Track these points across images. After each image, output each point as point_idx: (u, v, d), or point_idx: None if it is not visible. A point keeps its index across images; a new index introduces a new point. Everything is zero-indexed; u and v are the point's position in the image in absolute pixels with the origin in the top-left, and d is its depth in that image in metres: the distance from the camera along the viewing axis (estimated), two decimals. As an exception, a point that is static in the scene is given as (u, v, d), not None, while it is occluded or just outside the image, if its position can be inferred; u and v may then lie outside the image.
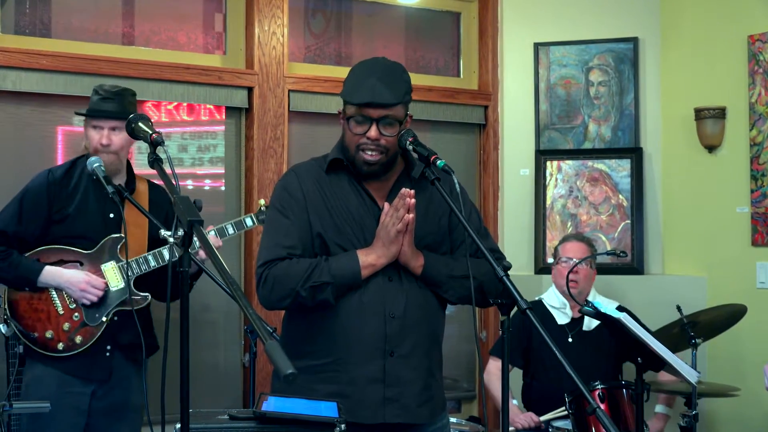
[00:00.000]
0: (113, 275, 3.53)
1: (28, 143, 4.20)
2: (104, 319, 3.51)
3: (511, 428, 4.11)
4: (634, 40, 5.25)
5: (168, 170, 2.38)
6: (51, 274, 3.46)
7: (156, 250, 3.57)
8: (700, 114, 4.98)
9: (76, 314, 3.49)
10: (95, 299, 3.48)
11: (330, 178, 2.78)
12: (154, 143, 2.47)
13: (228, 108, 4.66)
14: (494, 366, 4.48)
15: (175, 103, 4.54)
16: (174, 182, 2.33)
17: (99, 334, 3.50)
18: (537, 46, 5.31)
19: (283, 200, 2.76)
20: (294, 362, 2.62)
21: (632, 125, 5.24)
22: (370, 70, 2.74)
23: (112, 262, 3.54)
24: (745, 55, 4.84)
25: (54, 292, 3.49)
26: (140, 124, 2.56)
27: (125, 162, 3.65)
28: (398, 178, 2.80)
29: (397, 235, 2.65)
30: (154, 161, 2.44)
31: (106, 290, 3.51)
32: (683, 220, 5.17)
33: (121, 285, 3.53)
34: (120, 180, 3.60)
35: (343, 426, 2.29)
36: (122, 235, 3.54)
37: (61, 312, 3.48)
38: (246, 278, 4.62)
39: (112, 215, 3.58)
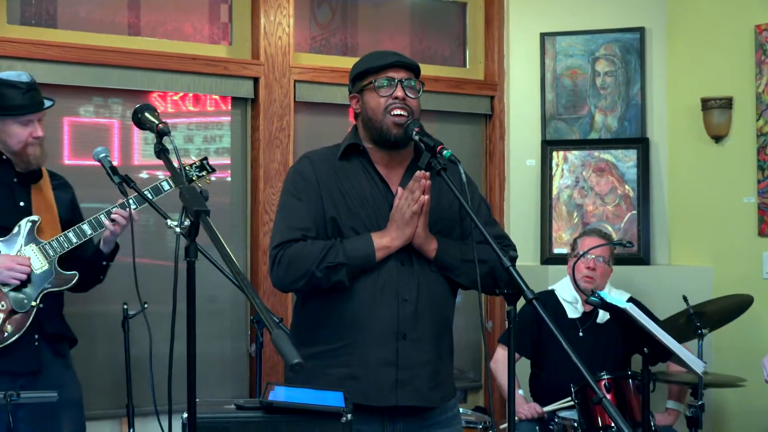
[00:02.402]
0: (35, 258, 3.41)
1: None
2: (33, 303, 3.38)
3: (515, 418, 4.13)
4: (641, 30, 5.23)
5: (174, 160, 2.39)
6: None
7: (76, 226, 3.45)
8: (706, 104, 4.97)
9: (3, 303, 3.34)
10: (24, 276, 3.35)
11: (343, 165, 2.81)
12: (161, 133, 2.47)
13: (234, 98, 4.66)
14: (502, 354, 4.48)
15: (181, 94, 4.54)
16: (180, 172, 2.33)
17: (29, 322, 3.37)
18: (543, 36, 5.30)
19: (296, 183, 2.79)
20: (307, 348, 2.68)
21: (638, 115, 5.23)
22: (384, 50, 2.92)
23: (31, 245, 3.42)
24: (752, 44, 4.83)
25: None
26: (147, 114, 2.55)
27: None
28: (410, 165, 2.83)
29: (412, 216, 2.68)
30: (161, 151, 2.44)
31: (31, 273, 3.38)
32: (689, 211, 5.16)
33: (45, 267, 3.41)
34: (33, 167, 3.48)
35: (349, 416, 2.29)
36: (36, 217, 3.44)
37: None
38: (252, 269, 4.63)
39: (22, 203, 3.47)
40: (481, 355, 5.29)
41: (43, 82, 4.11)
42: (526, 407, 4.30)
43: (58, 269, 3.45)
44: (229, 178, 4.65)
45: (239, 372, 4.65)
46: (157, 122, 2.50)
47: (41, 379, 3.40)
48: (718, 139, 4.99)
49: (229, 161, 4.65)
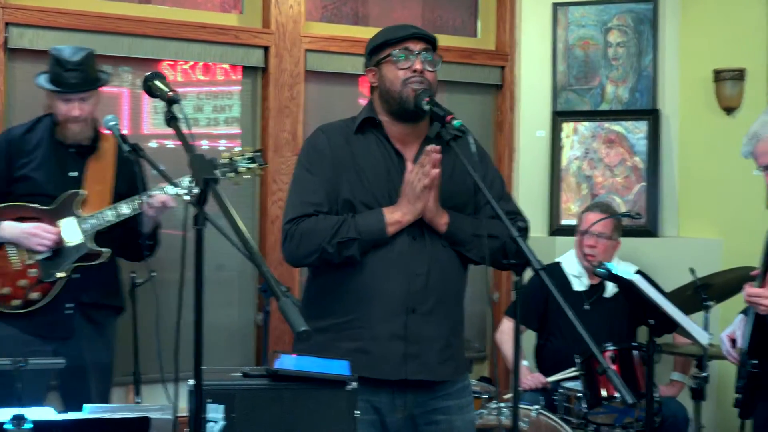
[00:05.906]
0: (71, 231, 3.48)
1: (43, 101, 4.20)
2: (60, 275, 3.47)
3: (518, 388, 4.15)
4: (654, 1, 5.20)
5: (184, 129, 2.39)
6: (8, 228, 3.44)
7: (113, 205, 3.53)
8: (719, 76, 4.95)
9: (32, 270, 3.46)
10: (49, 243, 3.43)
11: (359, 138, 2.81)
12: (171, 101, 2.47)
13: (244, 68, 4.65)
14: (507, 326, 4.50)
15: (191, 63, 4.54)
16: (190, 141, 2.34)
17: (57, 291, 3.48)
18: (555, 6, 5.27)
19: (310, 157, 2.81)
20: (317, 321, 2.70)
21: (650, 87, 5.21)
22: (402, 24, 2.93)
23: (70, 217, 3.51)
24: (766, 16, 4.79)
25: (11, 248, 3.46)
26: (156, 82, 2.56)
27: (92, 124, 3.63)
28: (425, 139, 2.83)
29: (423, 191, 2.68)
30: (171, 119, 2.44)
31: (63, 246, 3.46)
32: (699, 183, 5.15)
33: (80, 240, 3.48)
34: (85, 141, 3.59)
35: (354, 384, 2.31)
36: (81, 190, 3.52)
37: (18, 268, 3.46)
38: (261, 238, 4.64)
39: (74, 174, 3.57)
40: (486, 325, 5.30)
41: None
42: (530, 378, 4.32)
43: (92, 244, 3.50)
44: (238, 148, 4.65)
45: (246, 341, 4.68)
46: (167, 90, 2.50)
47: (71, 343, 3.51)
48: (729, 110, 4.97)
49: (239, 131, 4.65)
